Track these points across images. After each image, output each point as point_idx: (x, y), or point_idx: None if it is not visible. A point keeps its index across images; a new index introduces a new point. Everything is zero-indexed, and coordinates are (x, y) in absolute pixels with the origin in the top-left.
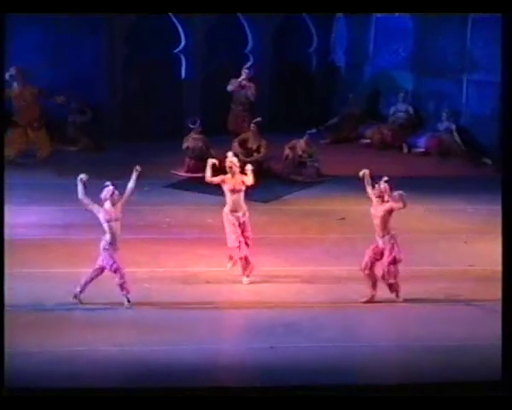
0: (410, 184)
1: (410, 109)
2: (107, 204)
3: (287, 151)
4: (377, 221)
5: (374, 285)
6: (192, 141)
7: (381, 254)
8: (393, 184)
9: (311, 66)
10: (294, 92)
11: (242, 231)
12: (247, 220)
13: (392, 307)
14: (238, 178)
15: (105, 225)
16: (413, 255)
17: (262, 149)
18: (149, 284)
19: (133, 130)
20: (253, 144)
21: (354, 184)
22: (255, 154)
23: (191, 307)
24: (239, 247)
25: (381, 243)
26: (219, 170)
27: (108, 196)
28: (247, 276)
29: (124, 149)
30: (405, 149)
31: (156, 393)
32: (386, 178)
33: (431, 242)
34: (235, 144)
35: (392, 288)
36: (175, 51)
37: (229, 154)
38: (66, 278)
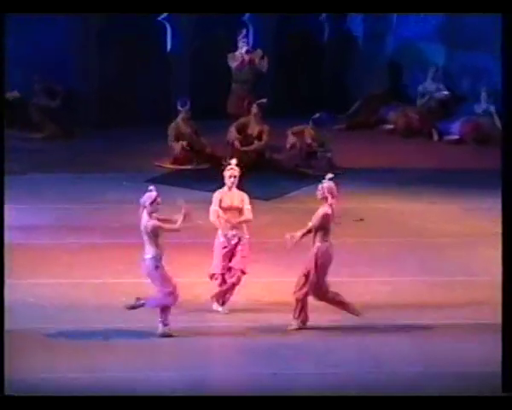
0: (441, 179)
1: (442, 88)
2: (145, 213)
3: (292, 139)
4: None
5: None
6: (179, 126)
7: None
8: (421, 179)
9: (323, 36)
10: (302, 68)
11: (231, 258)
12: (244, 246)
13: (418, 328)
14: (237, 194)
15: (152, 239)
16: (445, 263)
17: (264, 137)
18: (127, 299)
19: (109, 114)
20: (253, 130)
21: (374, 178)
22: (256, 141)
23: (181, 329)
24: (218, 278)
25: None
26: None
27: (148, 203)
28: (223, 304)
29: (98, 137)
30: (435, 137)
31: None
32: (330, 176)
33: (467, 247)
34: (232, 130)
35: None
36: (159, 19)
37: (233, 161)
38: (26, 291)
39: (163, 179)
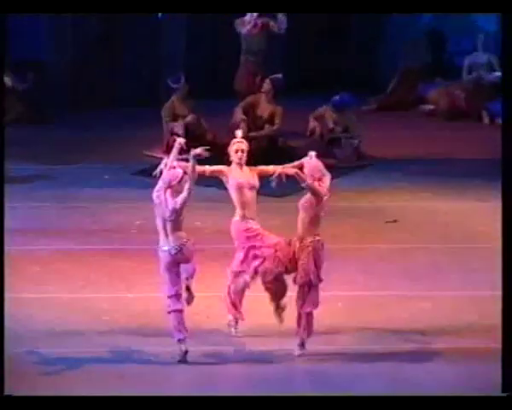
0: (492, 172)
1: (493, 61)
2: (168, 193)
3: (312, 123)
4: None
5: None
6: (175, 106)
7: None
8: (468, 171)
9: None
10: (321, 37)
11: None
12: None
13: (462, 352)
14: (247, 171)
15: (160, 224)
16: (496, 275)
17: (277, 120)
18: (111, 318)
19: (88, 94)
20: (263, 112)
21: (411, 171)
22: (267, 126)
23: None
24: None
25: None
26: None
27: (176, 182)
28: (235, 323)
29: (74, 121)
30: (486, 119)
31: None
32: (312, 153)
33: None
34: (238, 110)
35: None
36: None
37: (239, 133)
38: None
39: (152, 171)
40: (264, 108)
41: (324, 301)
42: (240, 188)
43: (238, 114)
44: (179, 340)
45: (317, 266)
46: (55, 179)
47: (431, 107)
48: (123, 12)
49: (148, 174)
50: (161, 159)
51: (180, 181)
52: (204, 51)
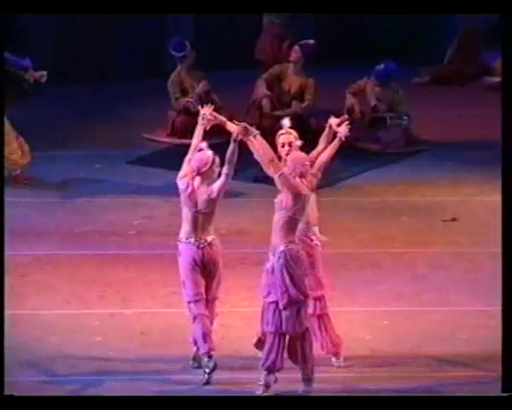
0: None
1: None
2: (197, 181)
3: (350, 100)
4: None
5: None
6: (182, 78)
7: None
8: None
9: None
10: None
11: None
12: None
13: None
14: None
15: (189, 215)
16: None
17: (307, 95)
18: (104, 338)
19: (74, 63)
20: (291, 85)
21: (473, 158)
22: (295, 102)
23: (183, 389)
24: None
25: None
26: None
27: (208, 167)
28: (336, 356)
29: (58, 96)
30: None
31: None
32: (286, 122)
33: None
34: (261, 84)
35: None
36: None
37: (286, 122)
38: None
39: (154, 159)
40: (293, 81)
41: (367, 318)
42: (296, 195)
43: (261, 89)
44: (208, 353)
45: (294, 283)
46: (33, 168)
47: (497, 79)
48: (123, 12)
49: (148, 163)
50: (164, 143)
51: (211, 166)
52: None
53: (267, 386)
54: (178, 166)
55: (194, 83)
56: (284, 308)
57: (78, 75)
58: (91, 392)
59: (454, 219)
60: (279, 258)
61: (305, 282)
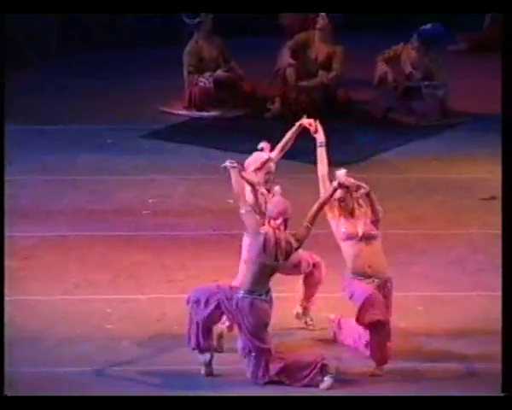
0: None
1: None
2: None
3: (382, 68)
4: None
5: None
6: (200, 47)
7: None
8: None
9: None
10: None
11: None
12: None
13: None
14: (359, 211)
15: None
16: None
17: (335, 64)
18: (116, 326)
19: (82, 30)
20: (318, 53)
21: None
22: (321, 72)
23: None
24: None
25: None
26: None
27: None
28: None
29: (65, 65)
30: None
31: None
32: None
33: None
34: (285, 52)
35: None
36: None
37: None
38: None
39: (171, 133)
40: (320, 49)
41: (399, 303)
42: (351, 238)
43: (285, 57)
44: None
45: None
46: (38, 144)
47: None
48: (125, 12)
49: (163, 137)
50: (181, 116)
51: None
52: None
53: (206, 365)
54: (195, 141)
55: (214, 51)
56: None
57: (86, 42)
58: (99, 386)
59: (493, 198)
60: None
61: None
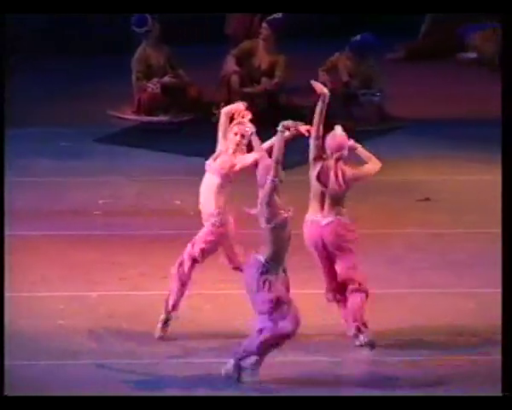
0: None
1: None
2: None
3: (323, 76)
4: None
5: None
6: (148, 55)
7: None
8: None
9: None
10: None
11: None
12: None
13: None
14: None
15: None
16: None
17: (278, 71)
18: (68, 322)
19: (34, 39)
20: (262, 61)
21: (449, 135)
22: (265, 79)
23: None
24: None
25: None
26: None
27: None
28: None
29: (22, 71)
30: None
31: None
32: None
33: None
34: (230, 60)
35: None
36: None
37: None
38: None
39: (121, 137)
40: (263, 58)
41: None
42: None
43: (230, 65)
44: None
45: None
46: None
47: (473, 55)
48: (125, 12)
49: (115, 141)
50: (131, 121)
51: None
52: None
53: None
54: (144, 144)
55: (161, 58)
56: None
57: (42, 49)
58: (51, 379)
59: (427, 199)
60: None
61: None
